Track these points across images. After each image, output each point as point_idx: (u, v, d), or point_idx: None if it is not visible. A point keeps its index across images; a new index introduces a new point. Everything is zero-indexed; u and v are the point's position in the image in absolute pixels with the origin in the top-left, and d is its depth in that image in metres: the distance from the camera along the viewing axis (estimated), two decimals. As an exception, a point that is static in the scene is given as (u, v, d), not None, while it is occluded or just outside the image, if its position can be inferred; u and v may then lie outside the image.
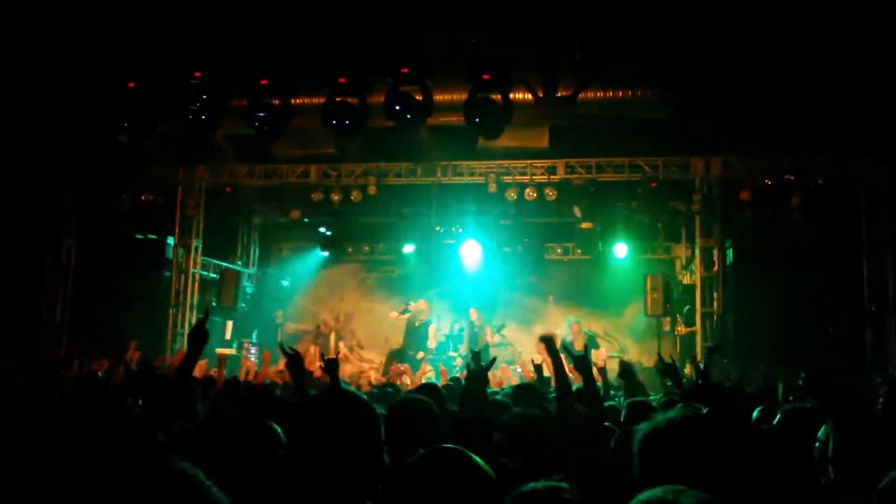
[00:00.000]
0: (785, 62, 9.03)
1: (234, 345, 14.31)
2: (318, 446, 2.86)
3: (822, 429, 3.44)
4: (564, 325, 13.75)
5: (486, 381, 4.45)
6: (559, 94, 10.21)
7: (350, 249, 16.42)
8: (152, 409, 4.07)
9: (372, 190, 13.52)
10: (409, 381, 9.64)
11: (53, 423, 3.68)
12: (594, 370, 4.76)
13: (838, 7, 8.22)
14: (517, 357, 13.93)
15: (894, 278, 11.79)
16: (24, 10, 8.91)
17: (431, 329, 13.67)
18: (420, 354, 13.07)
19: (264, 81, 10.05)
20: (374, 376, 12.98)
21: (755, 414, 4.42)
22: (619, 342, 15.15)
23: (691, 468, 2.10)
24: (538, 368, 6.49)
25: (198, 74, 10.03)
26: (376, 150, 12.98)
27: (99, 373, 8.10)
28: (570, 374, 4.18)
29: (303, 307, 16.50)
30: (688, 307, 13.61)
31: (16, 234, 12.19)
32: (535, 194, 13.14)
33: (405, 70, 9.39)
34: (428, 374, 12.64)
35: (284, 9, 8.97)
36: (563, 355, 4.32)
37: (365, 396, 2.78)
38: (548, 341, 4.28)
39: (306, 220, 15.20)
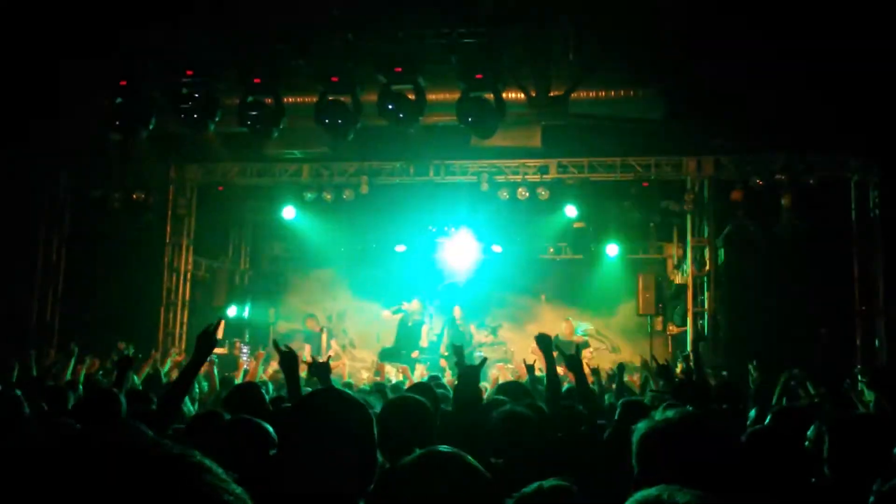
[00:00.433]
0: (776, 61, 9.06)
1: (226, 344, 14.27)
2: (310, 446, 2.85)
3: (812, 428, 3.46)
4: (560, 326, 13.73)
5: (478, 379, 4.45)
6: (552, 94, 10.23)
7: (342, 248, 16.38)
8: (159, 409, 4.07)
9: (364, 189, 13.50)
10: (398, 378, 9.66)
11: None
12: (586, 369, 4.77)
13: (828, 7, 8.26)
14: (510, 356, 13.95)
15: (884, 278, 11.84)
16: (17, 6, 8.86)
17: (424, 329, 13.67)
18: (415, 353, 13.06)
19: (257, 80, 10.03)
20: (367, 375, 12.98)
21: (752, 413, 4.44)
22: (611, 341, 15.18)
23: (689, 466, 2.10)
24: (530, 369, 6.51)
25: (190, 73, 10.01)
26: (369, 149, 12.96)
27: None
28: (562, 373, 4.19)
29: (295, 306, 16.46)
30: (679, 307, 13.65)
31: (6, 232, 12.13)
32: (527, 193, 13.15)
33: (398, 69, 9.39)
34: (423, 376, 12.66)
35: (277, 7, 8.95)
36: (555, 353, 4.33)
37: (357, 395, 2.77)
38: (543, 340, 4.29)
39: (298, 218, 15.16)
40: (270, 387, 6.75)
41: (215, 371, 7.56)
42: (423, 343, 13.63)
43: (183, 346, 13.18)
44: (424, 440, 2.81)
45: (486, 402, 4.63)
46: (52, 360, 9.31)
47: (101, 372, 8.91)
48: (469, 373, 4.20)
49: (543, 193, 13.15)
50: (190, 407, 5.75)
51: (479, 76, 9.42)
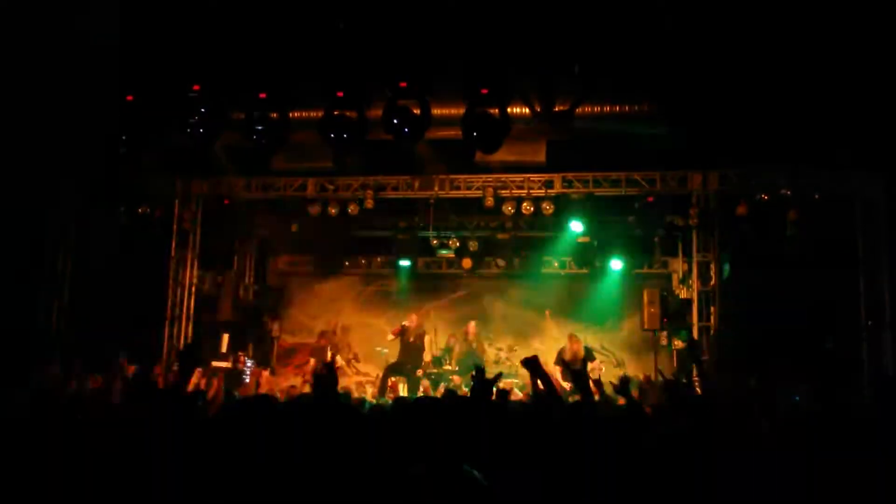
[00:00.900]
0: (782, 75, 9.07)
1: (230, 358, 14.25)
2: (312, 455, 2.85)
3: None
4: (564, 341, 13.68)
5: (491, 394, 4.46)
6: (557, 109, 10.25)
7: (347, 263, 16.41)
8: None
9: (369, 203, 13.52)
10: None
11: None
12: (590, 383, 4.76)
13: (835, 21, 8.27)
14: (515, 372, 13.91)
15: (891, 292, 11.80)
16: (25, 20, 8.92)
17: (427, 340, 13.60)
18: (419, 372, 13.04)
19: (263, 95, 10.08)
20: (371, 391, 12.96)
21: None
22: (616, 356, 15.12)
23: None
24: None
25: (196, 87, 10.06)
26: (374, 163, 13.00)
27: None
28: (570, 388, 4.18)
29: (299, 320, 16.45)
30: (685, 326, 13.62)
31: (12, 244, 12.16)
32: (532, 208, 13.16)
33: (403, 84, 9.42)
34: (427, 391, 12.62)
35: (283, 22, 9.00)
36: (560, 368, 4.33)
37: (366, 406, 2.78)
38: (530, 364, 4.28)
39: (303, 233, 15.21)
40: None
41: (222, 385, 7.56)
42: (427, 356, 13.56)
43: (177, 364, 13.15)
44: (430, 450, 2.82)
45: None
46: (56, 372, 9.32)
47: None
48: (482, 388, 4.23)
49: (548, 208, 13.16)
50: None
51: (484, 91, 9.44)
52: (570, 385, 5.00)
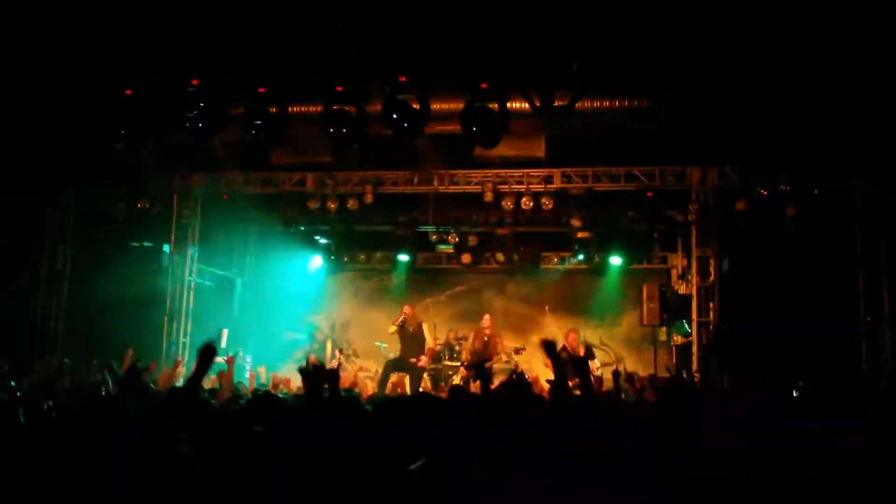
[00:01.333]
0: (781, 72, 9.07)
1: (230, 353, 14.24)
2: (316, 451, 2.86)
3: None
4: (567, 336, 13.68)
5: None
6: (556, 104, 10.24)
7: (346, 258, 16.41)
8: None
9: (368, 198, 13.51)
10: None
11: None
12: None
13: (835, 18, 8.27)
14: (513, 366, 13.91)
15: (889, 288, 11.81)
16: (23, 15, 8.91)
17: (426, 327, 13.57)
18: (421, 361, 12.97)
19: (262, 90, 10.07)
20: (371, 385, 12.95)
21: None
22: (615, 352, 15.15)
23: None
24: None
25: (195, 82, 10.05)
26: (373, 158, 12.99)
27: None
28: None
29: (298, 316, 16.46)
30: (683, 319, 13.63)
31: (11, 240, 12.17)
32: (531, 203, 13.16)
33: (402, 79, 9.41)
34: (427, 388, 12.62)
35: (282, 17, 9.00)
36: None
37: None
38: (549, 346, 4.29)
39: (303, 228, 15.21)
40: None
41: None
42: (430, 343, 13.53)
43: (186, 355, 13.18)
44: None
45: None
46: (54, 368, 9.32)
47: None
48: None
49: (547, 203, 13.16)
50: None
51: (483, 86, 9.43)
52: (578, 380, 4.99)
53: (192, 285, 14.39)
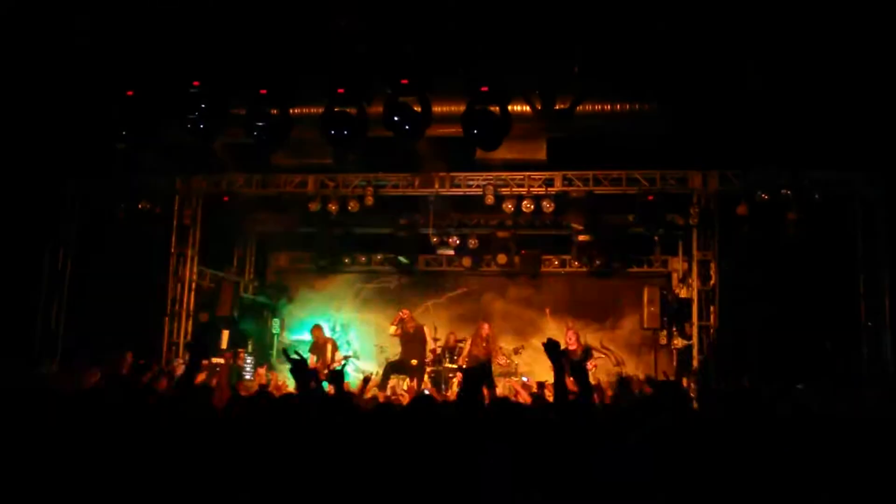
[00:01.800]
0: (783, 77, 9.07)
1: (231, 354, 14.26)
2: (320, 453, 2.86)
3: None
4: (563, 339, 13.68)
5: (481, 383, 4.45)
6: (557, 107, 10.23)
7: (347, 260, 16.42)
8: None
9: (369, 200, 13.52)
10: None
11: None
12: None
13: (836, 22, 8.27)
14: (514, 369, 13.93)
15: (890, 293, 11.80)
16: (24, 16, 8.92)
17: (426, 331, 13.56)
18: (415, 362, 12.96)
19: (263, 91, 10.06)
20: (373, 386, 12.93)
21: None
22: (616, 355, 15.13)
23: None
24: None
25: (197, 83, 10.04)
26: (374, 160, 13.00)
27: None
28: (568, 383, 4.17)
29: (299, 317, 16.46)
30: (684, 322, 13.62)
31: (12, 240, 12.17)
32: (532, 206, 13.16)
33: (404, 81, 9.40)
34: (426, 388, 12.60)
35: (284, 18, 8.99)
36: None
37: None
38: (552, 347, 4.26)
39: (303, 229, 15.22)
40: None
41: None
42: (430, 346, 13.50)
43: (186, 357, 13.17)
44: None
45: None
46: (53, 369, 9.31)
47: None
48: (471, 376, 4.26)
49: (548, 206, 13.15)
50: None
51: (484, 88, 9.42)
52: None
53: (193, 286, 14.39)
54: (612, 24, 8.88)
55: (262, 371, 12.56)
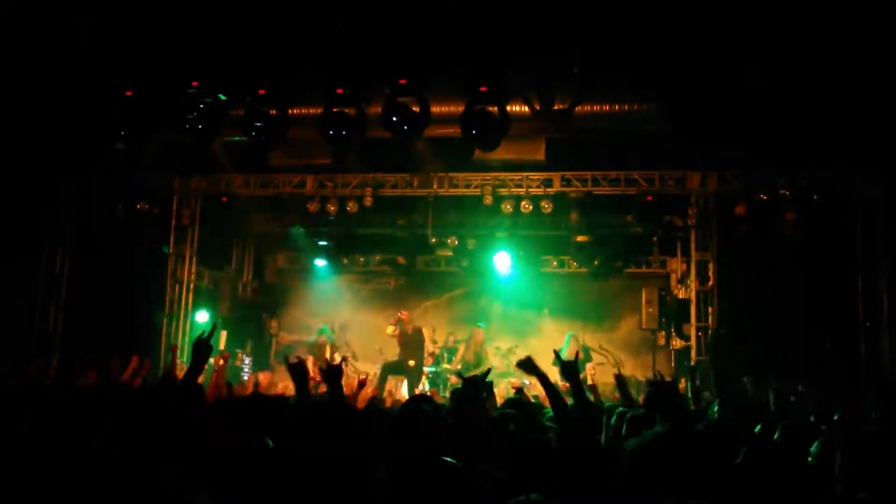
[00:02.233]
0: (781, 76, 9.07)
1: (228, 355, 14.24)
2: (314, 455, 2.85)
3: (815, 444, 3.43)
4: (563, 340, 13.67)
5: (481, 391, 4.43)
6: (556, 108, 10.23)
7: (345, 260, 16.41)
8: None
9: (368, 201, 13.51)
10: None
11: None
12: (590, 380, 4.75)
13: (835, 22, 8.27)
14: (511, 369, 13.89)
15: (889, 293, 11.79)
16: (22, 17, 8.91)
17: (425, 333, 13.56)
18: (413, 363, 12.95)
19: (262, 91, 10.05)
20: (370, 389, 12.92)
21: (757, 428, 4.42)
22: (614, 356, 15.12)
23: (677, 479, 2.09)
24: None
25: (195, 84, 10.03)
26: (373, 161, 12.99)
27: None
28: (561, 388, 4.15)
29: (297, 318, 16.45)
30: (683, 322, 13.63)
31: (10, 240, 12.15)
32: (531, 207, 13.14)
33: (402, 81, 9.39)
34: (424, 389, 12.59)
35: (282, 19, 8.99)
36: (558, 368, 4.28)
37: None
38: (525, 365, 4.21)
39: (302, 230, 15.20)
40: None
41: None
42: (429, 349, 13.50)
43: (185, 357, 13.16)
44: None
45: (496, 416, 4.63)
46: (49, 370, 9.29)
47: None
48: (470, 385, 4.22)
49: (547, 207, 13.14)
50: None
51: (483, 89, 9.41)
52: (564, 384, 4.95)
53: (191, 286, 14.38)
54: (611, 24, 8.88)
55: (260, 376, 12.54)
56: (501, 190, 13.33)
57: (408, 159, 12.81)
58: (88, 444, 3.23)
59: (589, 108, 10.66)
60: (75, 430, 3.73)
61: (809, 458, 3.34)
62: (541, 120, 10.57)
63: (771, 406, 5.70)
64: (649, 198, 13.00)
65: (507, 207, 13.25)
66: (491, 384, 5.53)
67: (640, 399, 6.61)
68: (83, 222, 13.81)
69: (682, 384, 11.54)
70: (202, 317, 14.53)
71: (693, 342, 13.07)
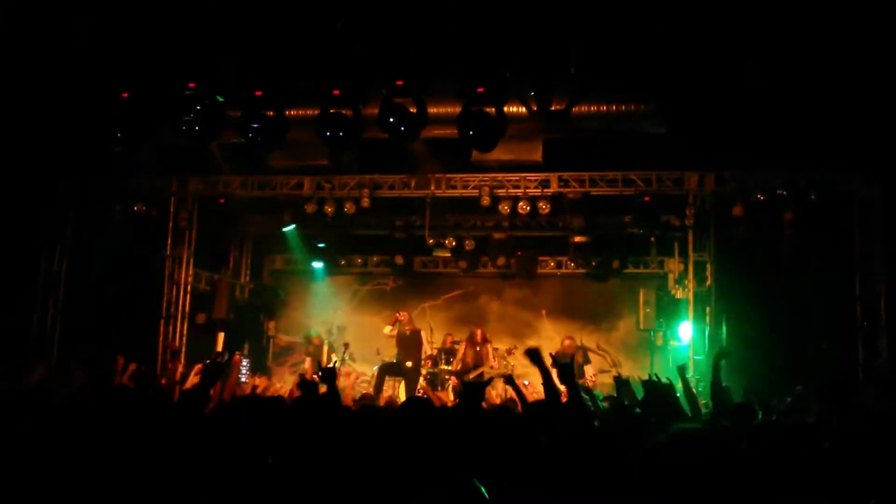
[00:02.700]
0: (779, 76, 9.07)
1: (225, 356, 14.21)
2: (311, 454, 2.84)
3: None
4: (560, 341, 13.66)
5: (482, 396, 4.46)
6: (553, 108, 10.23)
7: (343, 262, 16.40)
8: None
9: (366, 202, 13.51)
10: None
11: None
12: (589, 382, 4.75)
13: (832, 22, 8.28)
14: (511, 371, 13.88)
15: (887, 295, 11.79)
16: (20, 19, 8.90)
17: (423, 335, 13.55)
18: (410, 364, 12.93)
19: (259, 93, 10.04)
20: (366, 389, 12.92)
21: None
22: (612, 356, 15.13)
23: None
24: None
25: (192, 85, 10.02)
26: (370, 162, 12.98)
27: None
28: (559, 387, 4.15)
29: (295, 319, 16.45)
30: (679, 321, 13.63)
31: (8, 242, 12.13)
32: (528, 207, 13.14)
33: (400, 82, 9.39)
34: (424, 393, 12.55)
35: (280, 20, 8.98)
36: (556, 371, 4.28)
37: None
38: (533, 354, 4.23)
39: (300, 231, 15.20)
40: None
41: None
42: (426, 351, 13.51)
43: (183, 359, 13.14)
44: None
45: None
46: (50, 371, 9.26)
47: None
48: (472, 390, 4.25)
49: (544, 207, 13.15)
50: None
51: (480, 90, 9.41)
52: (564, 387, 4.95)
53: (189, 288, 14.37)
54: (609, 24, 8.88)
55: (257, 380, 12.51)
56: (499, 191, 13.33)
57: (405, 160, 12.81)
58: (89, 448, 3.23)
59: (586, 108, 10.67)
60: (75, 434, 3.72)
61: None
62: (538, 121, 10.57)
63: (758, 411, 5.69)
64: (647, 198, 13.01)
65: (504, 208, 13.26)
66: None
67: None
68: (81, 224, 13.79)
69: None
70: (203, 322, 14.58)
71: (690, 342, 13.07)
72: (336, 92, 9.80)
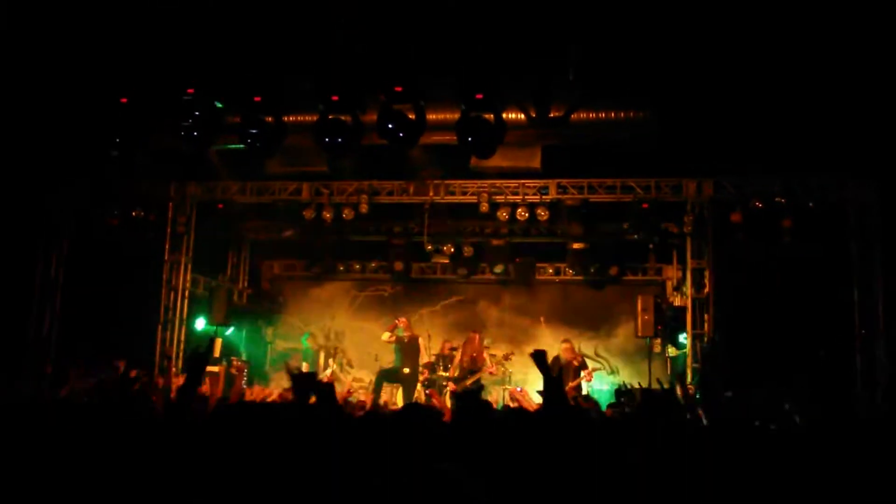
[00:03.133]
0: (776, 84, 9.10)
1: (223, 363, 14.21)
2: (314, 462, 2.84)
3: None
4: (557, 348, 13.64)
5: (476, 402, 4.45)
6: (552, 115, 10.25)
7: (341, 268, 16.39)
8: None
9: (364, 208, 13.51)
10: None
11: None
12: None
13: (829, 30, 8.30)
14: (509, 377, 13.88)
15: (884, 301, 11.81)
16: (19, 24, 8.91)
17: (421, 343, 13.55)
18: (420, 378, 12.93)
19: (257, 98, 10.05)
20: (364, 395, 12.89)
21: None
22: (611, 363, 15.10)
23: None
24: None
25: (191, 91, 10.04)
26: (369, 168, 13.00)
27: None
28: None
29: (293, 325, 16.42)
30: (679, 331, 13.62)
31: (6, 247, 12.12)
32: (526, 214, 13.16)
33: (398, 88, 9.40)
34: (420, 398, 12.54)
35: (278, 25, 9.00)
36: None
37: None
38: (539, 357, 4.24)
39: (298, 237, 15.19)
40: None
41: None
42: (424, 358, 13.50)
43: (180, 365, 13.13)
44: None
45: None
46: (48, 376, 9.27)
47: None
48: (466, 397, 4.25)
49: (543, 214, 13.15)
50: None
51: (479, 96, 9.43)
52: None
53: (186, 293, 14.35)
54: (607, 32, 8.91)
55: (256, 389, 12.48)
56: (497, 197, 13.34)
57: (404, 166, 12.82)
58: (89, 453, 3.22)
59: (585, 115, 10.68)
60: (75, 439, 3.71)
61: None
62: (537, 127, 10.59)
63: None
64: (645, 205, 13.02)
65: (503, 215, 13.26)
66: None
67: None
68: (79, 228, 13.79)
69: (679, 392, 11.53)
70: (199, 324, 14.54)
71: (689, 349, 13.06)
72: (335, 98, 9.82)
